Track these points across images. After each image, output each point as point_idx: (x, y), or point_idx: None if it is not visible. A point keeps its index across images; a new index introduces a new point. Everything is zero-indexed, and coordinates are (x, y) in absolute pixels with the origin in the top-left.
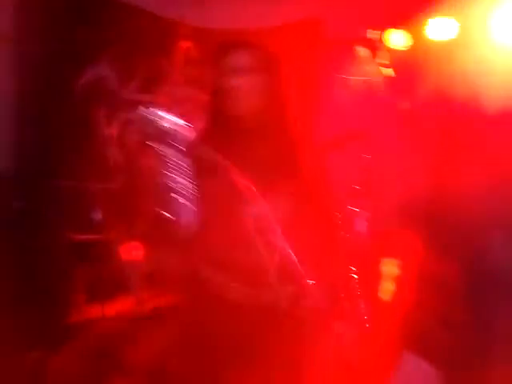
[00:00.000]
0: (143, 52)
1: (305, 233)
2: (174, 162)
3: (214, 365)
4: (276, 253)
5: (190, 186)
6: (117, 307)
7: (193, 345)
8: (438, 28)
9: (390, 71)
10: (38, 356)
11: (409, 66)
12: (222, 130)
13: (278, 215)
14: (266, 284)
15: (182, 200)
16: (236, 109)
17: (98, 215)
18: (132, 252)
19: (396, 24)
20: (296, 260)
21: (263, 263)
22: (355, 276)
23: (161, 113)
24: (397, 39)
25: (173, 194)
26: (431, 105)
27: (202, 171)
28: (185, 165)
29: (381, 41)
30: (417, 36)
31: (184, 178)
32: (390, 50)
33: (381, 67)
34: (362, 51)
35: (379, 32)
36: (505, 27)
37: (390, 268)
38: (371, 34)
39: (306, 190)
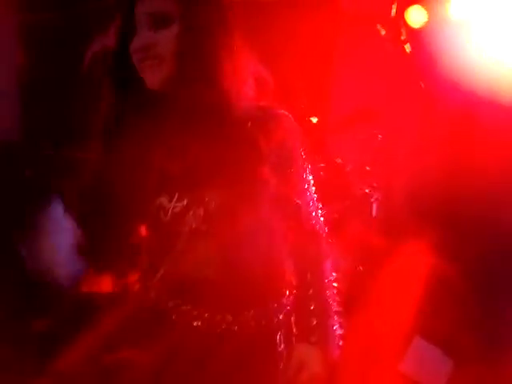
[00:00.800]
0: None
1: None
2: None
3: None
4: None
5: None
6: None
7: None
8: (457, 6)
9: (407, 49)
10: (46, 325)
11: (427, 44)
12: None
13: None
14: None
15: None
16: (148, 79)
17: None
18: None
19: (415, 1)
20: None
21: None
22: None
23: None
24: (416, 17)
25: None
26: (448, 85)
27: None
28: None
29: (400, 18)
30: (436, 14)
31: None
32: (409, 28)
33: (400, 45)
34: (381, 28)
35: (398, 9)
36: None
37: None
38: (391, 10)
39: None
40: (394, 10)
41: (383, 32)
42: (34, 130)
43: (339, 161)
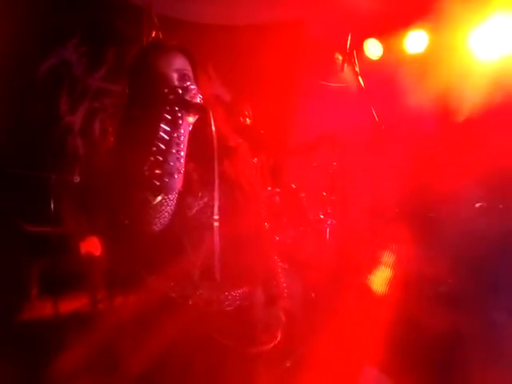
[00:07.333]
0: (112, 39)
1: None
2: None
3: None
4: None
5: None
6: (71, 305)
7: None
8: (413, 41)
9: (362, 79)
10: None
11: (383, 76)
12: None
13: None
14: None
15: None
16: None
17: (56, 207)
18: (90, 247)
19: (373, 34)
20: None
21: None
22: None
23: None
24: (373, 49)
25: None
26: (403, 112)
27: None
28: None
29: (358, 49)
30: (393, 47)
31: None
32: (366, 59)
33: (356, 75)
34: (340, 57)
35: (357, 40)
36: (481, 43)
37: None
38: (349, 41)
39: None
40: (349, 41)
41: (341, 61)
42: None
43: (294, 186)
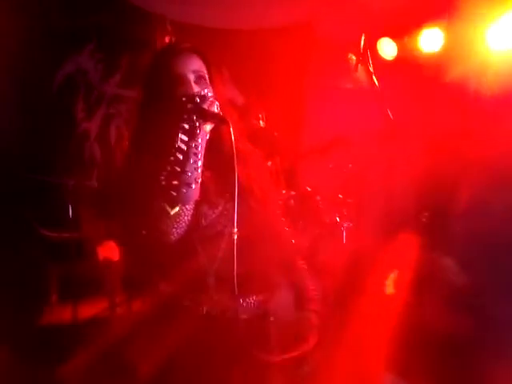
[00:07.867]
0: (127, 46)
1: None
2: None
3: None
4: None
5: None
6: (89, 309)
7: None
8: (428, 39)
9: (376, 80)
10: (6, 357)
11: (398, 75)
12: None
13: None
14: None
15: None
16: None
17: (74, 213)
18: (108, 252)
19: (387, 33)
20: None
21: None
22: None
23: None
24: (387, 48)
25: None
26: (418, 113)
27: None
28: None
29: (371, 49)
30: (407, 46)
31: None
32: (380, 59)
33: (370, 75)
34: (353, 58)
35: (370, 40)
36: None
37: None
38: (363, 41)
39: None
40: (362, 42)
41: (354, 61)
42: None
43: (309, 189)
